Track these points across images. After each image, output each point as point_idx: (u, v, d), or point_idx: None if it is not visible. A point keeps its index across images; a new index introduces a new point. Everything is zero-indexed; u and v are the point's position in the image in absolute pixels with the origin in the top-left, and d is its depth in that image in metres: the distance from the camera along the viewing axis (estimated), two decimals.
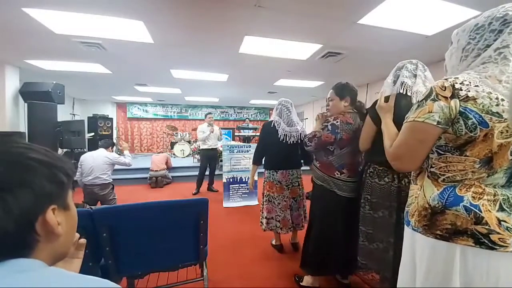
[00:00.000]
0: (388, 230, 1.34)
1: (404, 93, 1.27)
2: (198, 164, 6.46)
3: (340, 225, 1.65)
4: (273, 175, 2.27)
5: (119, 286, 0.39)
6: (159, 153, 6.41)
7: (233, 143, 5.44)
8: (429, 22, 2.61)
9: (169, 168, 5.69)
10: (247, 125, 7.99)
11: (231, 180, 4.07)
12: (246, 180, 4.13)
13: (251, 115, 10.84)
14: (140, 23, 2.66)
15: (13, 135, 3.99)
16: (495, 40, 0.73)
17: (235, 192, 4.07)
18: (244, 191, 4.11)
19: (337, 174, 1.66)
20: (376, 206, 1.39)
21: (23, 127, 4.38)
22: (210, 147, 4.55)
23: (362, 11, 2.39)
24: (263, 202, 2.38)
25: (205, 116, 4.70)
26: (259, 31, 2.88)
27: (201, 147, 4.69)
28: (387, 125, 1.05)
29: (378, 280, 1.46)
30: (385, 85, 1.38)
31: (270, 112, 10.80)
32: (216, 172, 4.89)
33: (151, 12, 2.46)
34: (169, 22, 2.68)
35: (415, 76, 1.31)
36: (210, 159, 4.63)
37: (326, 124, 1.65)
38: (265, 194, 2.34)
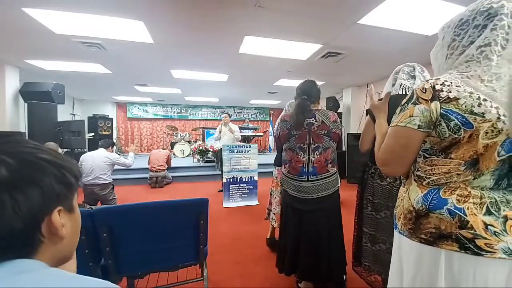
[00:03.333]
0: (391, 231, 1.33)
1: (404, 93, 1.28)
2: (199, 164, 6.57)
3: (291, 225, 1.63)
4: (273, 171, 2.49)
5: (118, 287, 0.39)
6: (160, 149, 6.24)
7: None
8: (429, 22, 2.61)
9: (169, 167, 5.67)
10: (247, 125, 7.99)
11: (231, 180, 4.07)
12: (246, 180, 4.13)
13: (251, 115, 10.84)
14: (140, 23, 2.66)
15: (14, 135, 3.99)
16: (479, 36, 0.70)
17: (235, 192, 4.07)
18: (244, 191, 4.11)
19: (283, 168, 1.73)
20: (378, 207, 1.38)
21: (23, 127, 4.38)
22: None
23: (362, 11, 2.39)
24: None
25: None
26: (259, 31, 2.88)
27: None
28: (381, 126, 1.00)
29: (381, 282, 1.45)
30: (385, 89, 1.40)
31: (270, 112, 10.79)
32: (217, 172, 4.89)
33: (151, 12, 2.47)
34: (169, 22, 2.68)
35: (413, 77, 1.32)
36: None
37: None
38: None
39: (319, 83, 5.68)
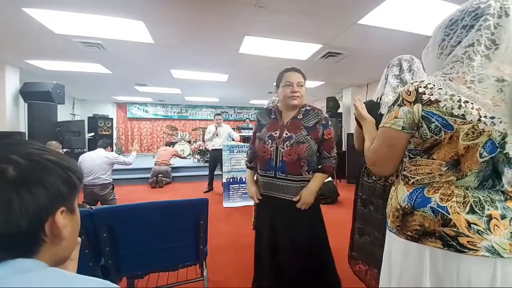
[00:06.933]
0: (375, 225, 1.41)
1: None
2: (199, 164, 6.57)
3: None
4: None
5: (119, 287, 0.39)
6: (166, 145, 6.60)
7: (233, 143, 5.42)
8: (429, 22, 2.61)
9: (181, 157, 5.99)
10: (247, 125, 7.99)
11: (231, 180, 4.07)
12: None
13: (251, 115, 10.82)
14: (140, 23, 2.66)
15: (14, 135, 4.00)
16: (466, 37, 0.71)
17: (235, 192, 4.07)
18: (244, 191, 4.10)
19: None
20: (366, 202, 1.47)
21: (23, 127, 4.38)
22: (214, 147, 4.67)
23: (363, 11, 2.39)
24: None
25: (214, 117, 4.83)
26: (259, 31, 2.88)
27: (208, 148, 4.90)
28: (367, 131, 1.03)
29: (364, 271, 1.54)
30: (378, 88, 1.47)
31: None
32: (217, 172, 4.88)
33: (151, 12, 2.47)
34: (169, 22, 2.68)
35: (401, 80, 1.36)
36: (215, 159, 4.69)
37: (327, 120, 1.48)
38: None
39: (319, 83, 5.66)
